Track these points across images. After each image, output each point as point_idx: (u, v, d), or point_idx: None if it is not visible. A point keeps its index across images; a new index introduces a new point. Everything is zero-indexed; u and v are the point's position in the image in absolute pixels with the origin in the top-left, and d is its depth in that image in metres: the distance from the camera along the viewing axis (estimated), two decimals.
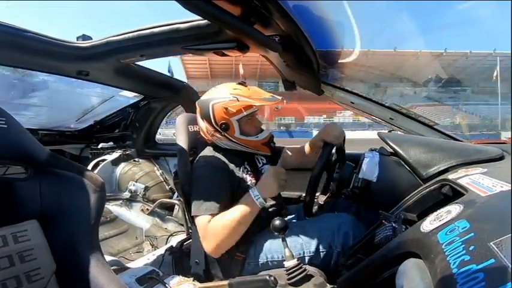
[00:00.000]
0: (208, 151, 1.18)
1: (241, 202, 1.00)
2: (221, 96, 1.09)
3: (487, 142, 1.14)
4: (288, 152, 1.42)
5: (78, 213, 0.70)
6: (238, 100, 1.06)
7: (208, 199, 1.02)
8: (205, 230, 0.99)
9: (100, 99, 2.28)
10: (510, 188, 0.46)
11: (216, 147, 1.18)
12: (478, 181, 0.55)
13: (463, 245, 0.36)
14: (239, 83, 1.13)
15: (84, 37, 1.38)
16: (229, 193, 1.06)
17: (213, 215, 1.00)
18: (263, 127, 1.23)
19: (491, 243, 0.34)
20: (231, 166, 1.12)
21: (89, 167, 2.09)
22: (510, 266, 0.30)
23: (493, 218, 0.41)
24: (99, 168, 2.11)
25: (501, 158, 0.78)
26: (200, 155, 1.20)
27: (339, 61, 1.46)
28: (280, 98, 1.11)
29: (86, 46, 1.33)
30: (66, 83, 1.98)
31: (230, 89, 1.09)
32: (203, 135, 1.18)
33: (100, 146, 2.35)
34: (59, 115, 2.39)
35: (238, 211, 0.97)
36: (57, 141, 2.25)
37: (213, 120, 1.09)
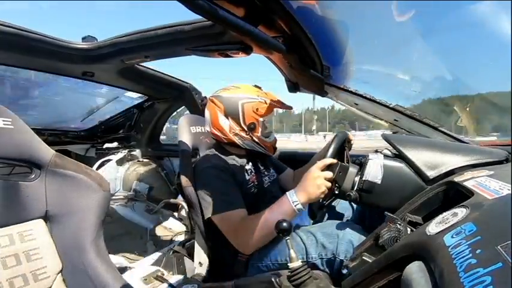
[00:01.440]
0: (210, 152, 1.19)
1: (278, 205, 0.95)
2: (250, 96, 1.13)
3: (493, 144, 1.13)
4: (290, 175, 1.43)
5: (83, 213, 0.70)
6: (266, 102, 1.12)
7: (227, 196, 1.02)
8: (236, 227, 0.98)
9: (105, 99, 2.30)
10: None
11: (219, 149, 1.18)
12: (484, 184, 0.54)
13: (470, 248, 0.36)
14: (255, 86, 1.19)
15: (89, 38, 1.40)
16: (240, 192, 1.07)
17: (240, 210, 1.00)
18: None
19: (498, 247, 0.33)
20: (234, 167, 1.13)
21: (94, 167, 2.10)
22: None
23: (500, 221, 0.40)
24: (104, 168, 2.13)
25: (507, 160, 0.77)
26: (202, 156, 1.21)
27: (343, 61, 1.45)
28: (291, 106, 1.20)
29: (91, 47, 1.34)
30: (71, 84, 2.00)
31: (254, 91, 1.15)
32: (219, 134, 1.16)
33: (105, 146, 2.37)
34: (64, 115, 2.42)
35: (274, 214, 0.92)
36: (62, 141, 2.28)
37: (241, 119, 1.11)
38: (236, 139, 1.14)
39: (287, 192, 0.95)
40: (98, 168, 2.12)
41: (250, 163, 1.20)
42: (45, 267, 0.65)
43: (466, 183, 0.58)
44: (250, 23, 0.87)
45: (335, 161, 0.94)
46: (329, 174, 0.91)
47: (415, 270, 0.42)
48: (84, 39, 1.40)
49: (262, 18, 0.89)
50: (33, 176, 0.69)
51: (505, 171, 0.64)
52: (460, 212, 0.46)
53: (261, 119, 1.13)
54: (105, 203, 0.73)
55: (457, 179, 0.64)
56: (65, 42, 1.31)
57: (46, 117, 2.31)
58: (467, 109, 1.38)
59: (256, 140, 1.14)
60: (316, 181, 0.90)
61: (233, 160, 1.16)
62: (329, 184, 0.90)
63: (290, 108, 1.19)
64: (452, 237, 0.40)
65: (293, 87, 1.59)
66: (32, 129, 0.70)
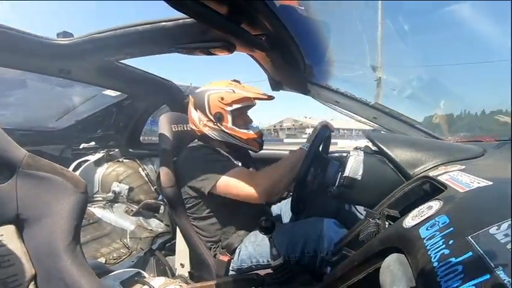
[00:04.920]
0: (195, 143, 1.20)
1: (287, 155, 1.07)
2: (218, 88, 1.14)
3: (468, 140, 1.18)
4: None
5: (57, 216, 0.67)
6: (234, 92, 1.11)
7: (224, 162, 1.07)
8: (249, 178, 1.01)
9: (82, 98, 2.21)
10: (487, 184, 0.48)
11: (204, 142, 1.18)
12: (456, 178, 0.57)
13: (443, 239, 0.38)
14: (234, 80, 1.18)
15: (65, 34, 1.33)
16: None
17: (243, 168, 1.06)
18: None
19: (469, 237, 0.35)
20: (222, 156, 1.14)
21: (70, 168, 2.02)
22: (486, 258, 0.31)
23: (470, 212, 0.43)
24: (81, 169, 2.04)
25: (481, 156, 0.81)
26: (186, 148, 1.19)
27: (325, 60, 1.48)
28: (273, 96, 1.16)
29: (67, 43, 1.28)
30: (45, 82, 1.90)
31: (227, 83, 1.16)
32: (194, 127, 1.19)
33: (82, 146, 2.28)
34: (38, 114, 2.30)
35: (284, 159, 1.05)
36: (35, 141, 2.16)
37: (207, 110, 1.12)
38: (206, 130, 1.15)
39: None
40: (74, 170, 2.03)
41: (236, 160, 1.19)
42: (17, 274, 0.62)
43: (440, 178, 0.61)
44: (233, 21, 0.87)
45: None
46: None
47: (393, 262, 0.44)
48: (59, 35, 1.33)
49: (245, 16, 0.89)
50: (3, 178, 0.65)
51: (475, 165, 0.68)
52: (434, 205, 0.48)
53: (229, 109, 1.11)
54: (81, 205, 0.70)
55: (431, 173, 0.67)
56: (38, 38, 1.24)
57: (18, 117, 2.19)
58: (442, 107, 1.45)
59: (227, 130, 1.13)
60: None
61: (219, 153, 1.16)
62: None
63: (266, 97, 1.14)
64: (427, 229, 0.42)
65: (276, 85, 1.60)
66: (3, 129, 0.66)
